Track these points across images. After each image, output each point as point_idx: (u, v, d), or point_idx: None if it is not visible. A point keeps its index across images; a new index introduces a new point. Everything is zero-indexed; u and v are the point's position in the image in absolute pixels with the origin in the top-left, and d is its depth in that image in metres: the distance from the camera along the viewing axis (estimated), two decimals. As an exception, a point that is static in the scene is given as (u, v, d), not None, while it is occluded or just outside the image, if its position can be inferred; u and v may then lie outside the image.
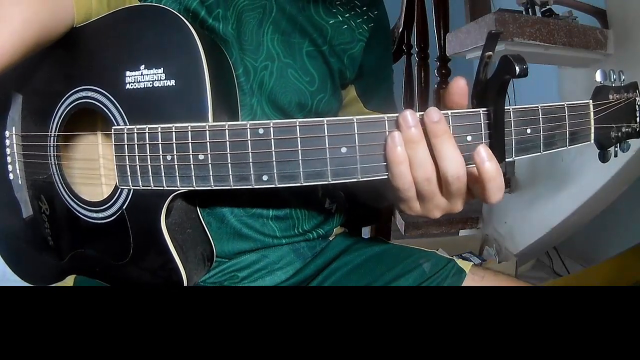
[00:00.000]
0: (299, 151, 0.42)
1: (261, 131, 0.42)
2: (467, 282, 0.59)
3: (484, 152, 0.39)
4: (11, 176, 0.59)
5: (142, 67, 0.47)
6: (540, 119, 0.43)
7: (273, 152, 0.42)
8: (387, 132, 0.41)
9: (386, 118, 0.41)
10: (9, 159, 0.59)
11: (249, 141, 0.42)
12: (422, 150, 0.40)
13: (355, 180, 0.42)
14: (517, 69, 0.37)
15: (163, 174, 0.46)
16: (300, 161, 0.42)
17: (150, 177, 0.46)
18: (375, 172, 0.42)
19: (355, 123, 0.41)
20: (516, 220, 1.69)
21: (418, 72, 1.67)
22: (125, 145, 0.47)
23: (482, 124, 0.41)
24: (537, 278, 1.87)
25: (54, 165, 0.55)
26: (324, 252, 0.66)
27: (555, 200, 1.50)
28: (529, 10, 1.31)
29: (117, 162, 0.48)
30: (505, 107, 0.41)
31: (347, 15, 0.62)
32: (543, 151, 0.44)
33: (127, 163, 0.47)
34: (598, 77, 0.47)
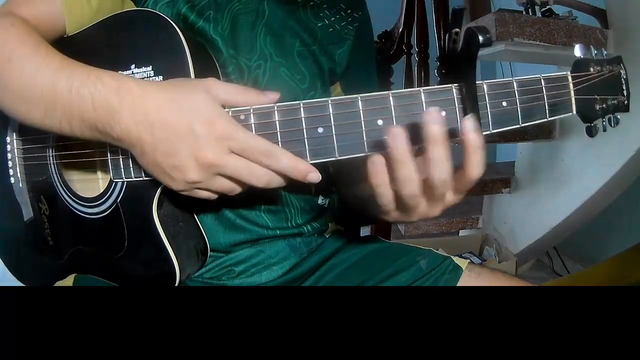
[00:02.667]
0: (278, 133, 0.43)
1: (242, 117, 0.44)
2: (464, 279, 0.59)
3: (469, 123, 0.38)
4: (12, 180, 0.61)
5: (133, 66, 0.49)
6: (516, 91, 0.44)
7: None
8: (360, 111, 0.42)
9: (359, 98, 0.43)
10: (9, 163, 0.61)
11: None
12: (409, 168, 0.40)
13: (333, 159, 0.43)
14: (481, 38, 0.39)
15: None
16: (279, 143, 0.43)
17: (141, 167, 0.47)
18: (352, 151, 0.43)
19: (329, 104, 0.43)
20: (516, 220, 1.69)
21: (418, 72, 1.66)
22: None
23: (455, 98, 0.43)
24: (537, 278, 1.87)
25: (52, 165, 0.56)
26: (320, 249, 0.67)
27: (555, 200, 1.50)
28: (529, 10, 1.32)
29: (111, 156, 0.49)
30: (478, 82, 0.42)
31: (333, 18, 0.66)
32: (522, 123, 0.44)
33: (120, 156, 0.49)
34: (577, 51, 0.47)
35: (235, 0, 0.60)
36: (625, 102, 0.49)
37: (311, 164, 0.43)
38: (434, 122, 0.38)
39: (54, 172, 0.57)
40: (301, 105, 0.43)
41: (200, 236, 0.55)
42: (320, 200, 0.68)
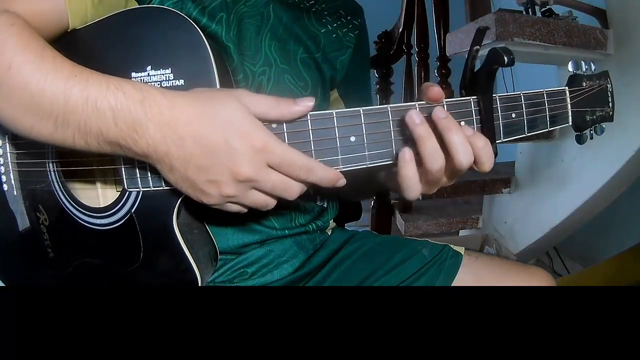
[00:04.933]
0: (311, 142, 0.44)
1: (274, 125, 0.43)
2: (464, 262, 0.64)
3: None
4: (5, 187, 0.57)
5: (149, 67, 0.46)
6: (523, 104, 0.48)
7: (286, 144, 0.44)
8: (390, 121, 0.45)
9: (389, 108, 0.45)
10: (2, 169, 0.57)
11: None
12: (433, 143, 0.43)
13: (364, 166, 0.45)
14: (506, 59, 0.42)
15: None
16: (312, 152, 0.44)
17: (162, 177, 0.45)
18: (382, 158, 0.46)
19: (362, 114, 0.44)
20: (516, 220, 1.69)
21: (418, 72, 1.67)
22: None
23: (473, 110, 0.46)
24: (537, 278, 1.86)
25: (52, 172, 0.54)
26: (325, 246, 0.70)
27: (555, 200, 1.50)
28: (529, 10, 1.31)
29: (125, 164, 0.47)
30: (493, 95, 0.46)
31: (335, 25, 0.66)
32: (527, 133, 0.49)
33: (136, 165, 0.46)
34: (570, 67, 0.53)
35: (241, 3, 0.59)
36: (611, 112, 0.55)
37: (342, 171, 0.45)
38: (440, 116, 0.43)
39: (54, 180, 0.54)
40: (334, 114, 0.44)
41: (211, 242, 0.55)
42: (318, 201, 0.71)
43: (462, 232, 1.97)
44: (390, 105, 0.45)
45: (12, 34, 0.43)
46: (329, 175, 0.43)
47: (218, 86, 0.45)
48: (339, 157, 0.44)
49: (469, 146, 0.43)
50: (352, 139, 0.44)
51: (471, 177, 1.68)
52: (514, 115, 0.48)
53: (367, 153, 0.45)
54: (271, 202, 0.44)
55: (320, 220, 0.69)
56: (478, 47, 0.46)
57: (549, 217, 1.51)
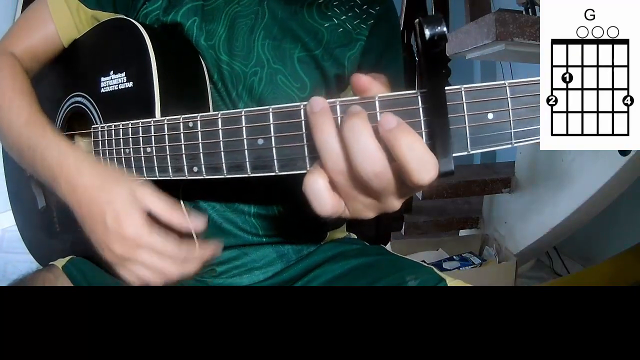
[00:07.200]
0: (221, 143, 0.42)
1: (190, 124, 0.44)
2: None
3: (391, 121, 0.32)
4: (29, 172, 0.66)
5: (112, 72, 0.53)
6: (509, 100, 0.33)
7: (200, 144, 0.43)
8: (302, 122, 0.37)
9: (302, 106, 0.37)
10: None
11: (182, 134, 0.45)
12: (329, 135, 0.34)
13: (273, 174, 0.39)
14: (427, 33, 0.30)
15: (124, 166, 0.51)
16: (222, 153, 0.42)
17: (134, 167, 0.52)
18: (292, 166, 0.38)
19: (270, 113, 0.38)
20: (516, 220, 1.69)
21: (418, 72, 1.66)
22: (100, 141, 0.54)
23: (420, 108, 0.34)
24: (537, 278, 1.87)
25: None
26: (309, 257, 0.64)
27: (555, 200, 1.50)
28: (529, 10, 1.32)
29: (104, 156, 0.54)
30: (456, 87, 0.33)
31: (344, 17, 0.61)
32: (514, 141, 0.33)
33: (101, 157, 0.54)
34: None
35: (235, 2, 0.58)
36: None
37: (252, 177, 0.41)
38: (313, 109, 0.34)
39: None
40: (243, 112, 0.40)
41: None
42: None
43: (462, 232, 1.97)
44: (303, 103, 0.37)
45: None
46: (205, 254, 0.48)
47: (157, 87, 0.49)
48: (247, 161, 0.40)
49: (378, 150, 0.32)
50: (260, 141, 0.39)
51: (471, 177, 1.68)
52: (491, 116, 0.33)
53: (275, 158, 0.38)
54: (153, 279, 0.46)
55: (311, 230, 0.64)
56: (419, 19, 0.31)
57: (549, 217, 1.51)
